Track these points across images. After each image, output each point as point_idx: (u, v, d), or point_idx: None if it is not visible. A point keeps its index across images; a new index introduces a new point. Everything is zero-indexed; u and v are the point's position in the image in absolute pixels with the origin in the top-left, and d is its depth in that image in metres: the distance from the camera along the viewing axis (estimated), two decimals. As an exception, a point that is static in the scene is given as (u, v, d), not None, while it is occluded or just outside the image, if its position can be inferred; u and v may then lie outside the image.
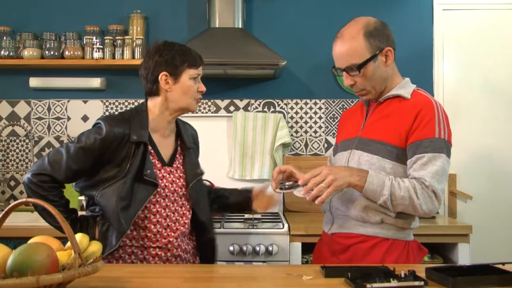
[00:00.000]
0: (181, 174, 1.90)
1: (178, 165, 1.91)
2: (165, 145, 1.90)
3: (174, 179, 1.87)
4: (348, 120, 1.96)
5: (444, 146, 1.68)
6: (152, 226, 1.82)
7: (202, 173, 1.97)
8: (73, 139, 1.83)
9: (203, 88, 1.89)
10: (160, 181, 1.82)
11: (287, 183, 1.76)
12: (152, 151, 1.84)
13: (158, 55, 1.83)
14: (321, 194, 1.62)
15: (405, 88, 1.80)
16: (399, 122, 1.74)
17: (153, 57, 1.84)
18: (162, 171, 1.85)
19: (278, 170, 1.80)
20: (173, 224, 1.85)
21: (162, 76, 1.82)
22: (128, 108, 3.29)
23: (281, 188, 1.77)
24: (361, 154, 1.77)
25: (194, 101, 1.88)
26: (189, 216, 1.91)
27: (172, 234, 1.84)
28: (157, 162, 1.84)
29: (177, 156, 1.92)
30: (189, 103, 1.87)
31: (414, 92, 1.79)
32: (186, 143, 1.94)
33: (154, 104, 1.87)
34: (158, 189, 1.81)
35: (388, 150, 1.73)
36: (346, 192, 1.78)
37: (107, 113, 3.33)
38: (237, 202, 2.10)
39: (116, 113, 2.02)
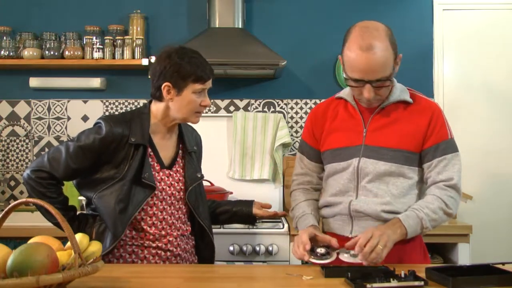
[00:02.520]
0: (180, 178, 1.89)
1: (178, 169, 1.89)
2: (166, 147, 1.89)
3: (172, 182, 1.86)
4: (331, 125, 1.86)
5: (456, 145, 1.77)
6: (148, 228, 1.81)
7: (202, 177, 1.96)
8: (73, 138, 1.83)
9: (206, 102, 1.83)
10: (157, 184, 1.81)
11: (318, 251, 1.63)
12: (151, 153, 1.84)
13: (167, 61, 1.78)
14: (379, 256, 1.55)
15: (403, 91, 1.81)
16: (412, 127, 1.75)
17: (162, 63, 1.79)
18: (161, 173, 1.84)
19: (306, 240, 1.66)
20: (168, 227, 1.84)
21: (165, 87, 1.79)
22: (128, 108, 3.30)
23: (318, 259, 1.61)
24: (376, 163, 1.74)
25: (194, 115, 1.84)
26: (185, 219, 1.91)
27: (172, 233, 1.84)
28: (155, 164, 1.84)
29: (178, 159, 1.91)
30: (188, 116, 1.83)
31: (412, 95, 1.81)
32: (188, 146, 1.93)
33: (157, 108, 1.86)
34: (156, 192, 1.81)
35: (406, 157, 1.74)
36: (368, 194, 1.75)
37: (107, 113, 3.33)
38: (240, 209, 2.04)
39: (118, 113, 2.01)
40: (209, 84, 1.83)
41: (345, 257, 1.61)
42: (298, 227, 1.83)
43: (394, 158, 1.74)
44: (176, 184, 1.87)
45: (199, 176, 1.93)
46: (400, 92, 1.80)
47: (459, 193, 1.74)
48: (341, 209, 1.79)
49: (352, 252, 1.54)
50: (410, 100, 1.78)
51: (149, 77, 1.86)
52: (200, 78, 1.78)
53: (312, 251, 1.58)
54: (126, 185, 1.76)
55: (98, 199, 1.77)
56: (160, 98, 1.83)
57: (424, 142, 1.75)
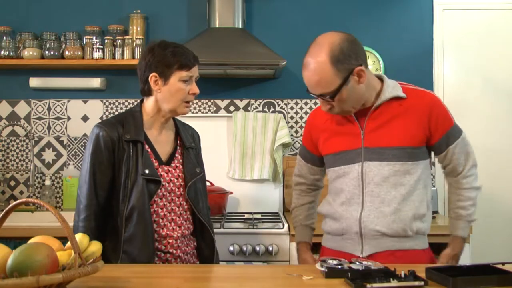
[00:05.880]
0: (179, 174, 1.89)
1: (177, 164, 1.90)
2: (162, 143, 1.90)
3: (171, 178, 1.86)
4: (328, 129, 1.87)
5: (458, 125, 1.84)
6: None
7: (201, 172, 1.96)
8: (82, 166, 1.85)
9: (195, 90, 1.85)
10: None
11: (330, 261, 1.54)
12: (148, 149, 1.85)
13: (151, 55, 1.83)
14: None
15: (395, 87, 1.79)
16: (411, 122, 1.75)
17: (146, 57, 1.84)
18: (160, 169, 1.84)
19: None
20: (169, 224, 1.84)
21: (152, 77, 1.81)
22: (128, 108, 3.31)
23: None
24: (379, 164, 1.74)
25: (183, 104, 1.85)
26: (188, 216, 1.91)
27: (172, 234, 1.84)
28: (154, 160, 1.84)
29: (177, 155, 1.92)
30: (176, 106, 1.84)
31: (405, 89, 1.80)
32: (185, 142, 1.94)
33: (148, 105, 1.88)
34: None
35: (408, 153, 1.75)
36: (374, 201, 1.75)
37: (107, 113, 3.33)
38: None
39: (110, 116, 2.02)
40: (195, 71, 1.85)
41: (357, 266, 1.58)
42: (295, 234, 2.07)
43: (397, 156, 1.74)
44: (175, 180, 1.87)
45: (198, 171, 1.93)
46: (392, 89, 1.78)
47: (477, 165, 1.85)
48: (350, 225, 1.79)
49: (364, 263, 1.53)
50: (403, 95, 1.77)
51: (137, 74, 1.88)
52: (184, 65, 1.81)
53: (324, 262, 1.56)
54: (139, 186, 1.77)
55: (131, 210, 1.78)
56: (149, 92, 1.86)
57: (432, 137, 1.77)
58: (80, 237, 1.36)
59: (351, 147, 1.80)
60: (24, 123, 3.33)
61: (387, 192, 1.74)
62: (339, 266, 1.50)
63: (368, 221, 1.75)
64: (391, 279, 1.36)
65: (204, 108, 3.36)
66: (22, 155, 3.33)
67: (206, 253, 1.95)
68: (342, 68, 1.66)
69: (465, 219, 1.84)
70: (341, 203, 1.82)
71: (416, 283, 1.35)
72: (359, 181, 1.77)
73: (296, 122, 3.36)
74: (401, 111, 1.76)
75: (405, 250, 1.76)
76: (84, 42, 3.19)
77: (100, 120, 2.99)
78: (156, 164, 1.84)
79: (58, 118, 3.34)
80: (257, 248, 2.58)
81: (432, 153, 1.87)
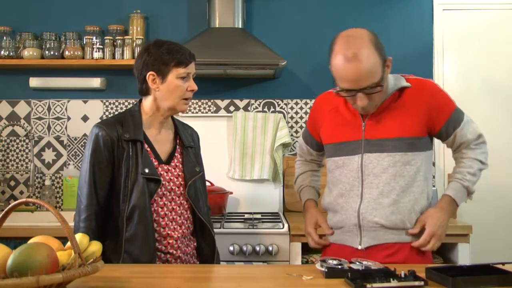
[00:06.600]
0: (179, 173, 1.89)
1: (177, 164, 1.90)
2: (162, 142, 1.90)
3: (171, 177, 1.87)
4: (331, 118, 1.88)
5: (460, 108, 1.84)
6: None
7: (200, 171, 1.96)
8: (81, 166, 1.85)
9: (193, 87, 1.86)
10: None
11: (330, 262, 1.53)
12: (148, 149, 1.85)
13: (146, 54, 1.83)
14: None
15: (397, 79, 1.81)
16: (412, 113, 1.76)
17: (141, 56, 1.85)
18: (159, 169, 1.84)
19: (314, 233, 1.93)
20: (170, 223, 1.84)
21: (150, 76, 1.82)
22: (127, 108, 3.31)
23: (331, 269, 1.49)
24: (379, 156, 1.75)
25: (181, 101, 1.86)
26: (188, 215, 1.91)
27: (172, 234, 1.84)
28: (153, 160, 1.85)
29: (176, 154, 1.92)
30: (176, 103, 1.85)
31: (406, 80, 1.81)
32: (185, 141, 1.94)
33: (146, 104, 1.89)
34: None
35: (407, 143, 1.75)
36: (373, 192, 1.76)
37: (107, 113, 3.33)
38: None
39: (109, 116, 2.02)
40: (192, 68, 1.86)
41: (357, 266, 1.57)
42: (301, 198, 2.06)
43: (397, 147, 1.74)
44: (175, 179, 1.87)
45: (197, 170, 1.94)
46: (394, 81, 1.79)
47: (486, 143, 1.84)
48: (349, 217, 1.79)
49: (365, 262, 1.53)
50: (407, 84, 1.78)
51: (134, 74, 1.89)
52: (181, 62, 1.82)
53: (324, 262, 1.56)
54: (139, 185, 1.77)
55: (132, 210, 1.78)
56: (147, 92, 1.86)
57: (435, 124, 1.78)
58: (80, 237, 1.36)
59: (351, 139, 1.81)
60: (24, 123, 3.33)
61: (386, 183, 1.74)
62: (339, 266, 1.50)
63: (366, 212, 1.75)
64: (391, 279, 1.36)
65: (204, 108, 3.36)
66: (22, 155, 3.33)
67: (206, 252, 1.95)
68: (382, 56, 1.69)
69: (460, 182, 1.79)
70: (340, 194, 1.82)
71: (416, 283, 1.36)
72: (359, 173, 1.78)
73: (296, 122, 3.35)
74: (401, 102, 1.78)
75: (404, 243, 1.76)
76: (84, 42, 3.19)
77: (100, 120, 2.99)
78: (155, 163, 1.84)
79: (58, 118, 3.34)
80: (257, 248, 2.57)
81: (434, 151, 1.87)
